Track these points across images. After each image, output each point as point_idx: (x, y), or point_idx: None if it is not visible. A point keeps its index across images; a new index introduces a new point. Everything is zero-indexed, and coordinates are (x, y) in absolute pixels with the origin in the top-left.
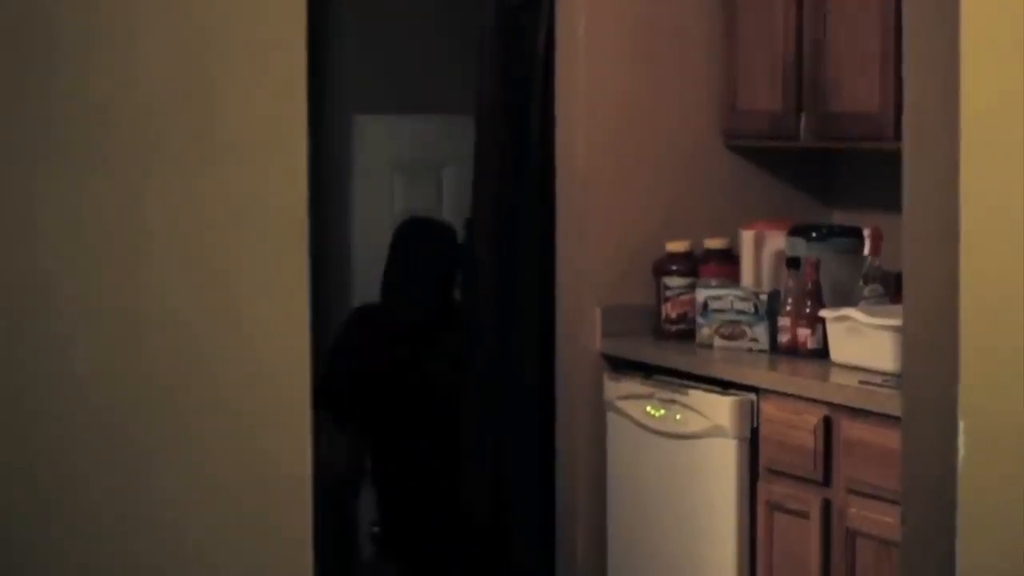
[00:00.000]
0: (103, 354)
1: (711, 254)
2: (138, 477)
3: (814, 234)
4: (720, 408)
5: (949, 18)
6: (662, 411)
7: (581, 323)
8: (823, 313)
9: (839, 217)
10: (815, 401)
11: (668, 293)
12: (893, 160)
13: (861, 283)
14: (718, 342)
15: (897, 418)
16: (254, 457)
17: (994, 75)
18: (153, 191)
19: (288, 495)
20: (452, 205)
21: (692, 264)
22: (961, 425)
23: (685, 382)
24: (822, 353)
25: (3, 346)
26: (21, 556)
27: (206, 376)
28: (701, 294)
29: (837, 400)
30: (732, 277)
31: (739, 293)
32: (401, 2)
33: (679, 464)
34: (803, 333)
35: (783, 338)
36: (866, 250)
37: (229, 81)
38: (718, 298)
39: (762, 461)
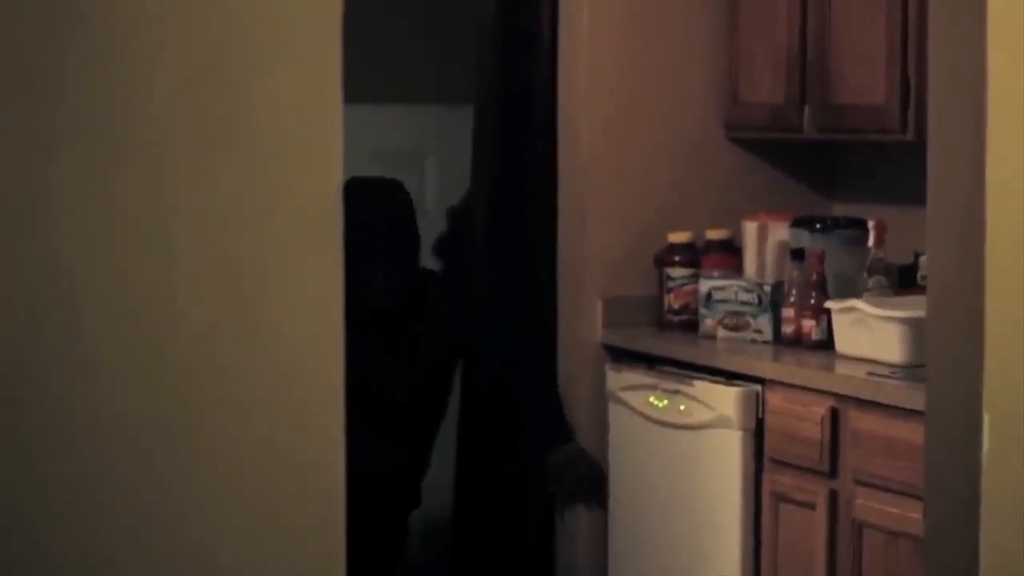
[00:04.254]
0: (126, 354)
1: (713, 245)
2: (160, 484)
3: (818, 225)
4: (726, 399)
5: (974, 5)
6: (665, 401)
7: (582, 314)
8: (829, 304)
9: (840, 209)
10: (822, 392)
11: (670, 284)
12: (895, 152)
13: (865, 275)
14: (721, 333)
15: (905, 410)
16: (283, 468)
17: (1021, 61)
18: (180, 183)
19: (320, 507)
20: (435, 196)
21: (694, 255)
22: (986, 418)
23: (689, 373)
24: (826, 344)
25: (23, 345)
26: (37, 563)
27: (234, 379)
28: (705, 285)
29: (845, 391)
30: (734, 268)
31: (743, 284)
32: None
33: (682, 455)
34: (807, 324)
35: (787, 329)
36: (870, 242)
37: (261, 70)
38: (722, 289)
39: (767, 452)
